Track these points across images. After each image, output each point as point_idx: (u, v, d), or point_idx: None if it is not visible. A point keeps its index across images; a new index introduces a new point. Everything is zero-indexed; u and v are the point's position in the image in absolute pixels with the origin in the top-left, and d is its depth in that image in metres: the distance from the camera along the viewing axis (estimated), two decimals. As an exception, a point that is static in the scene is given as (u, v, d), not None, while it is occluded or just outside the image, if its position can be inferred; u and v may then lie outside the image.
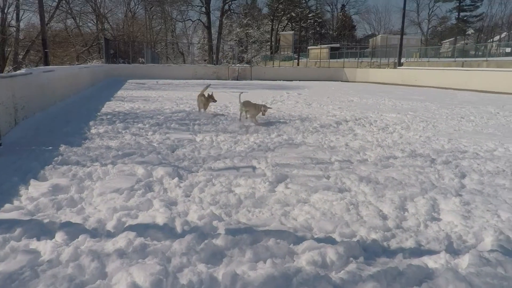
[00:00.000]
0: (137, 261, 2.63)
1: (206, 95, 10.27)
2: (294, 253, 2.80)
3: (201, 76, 31.67)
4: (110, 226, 3.21)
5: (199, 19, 60.65)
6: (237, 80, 31.45)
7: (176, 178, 4.54)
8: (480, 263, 2.66)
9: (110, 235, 3.05)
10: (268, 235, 3.03)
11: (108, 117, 9.30)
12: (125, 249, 2.76)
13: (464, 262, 2.72)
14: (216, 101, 10.46)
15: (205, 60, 60.03)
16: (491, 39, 57.26)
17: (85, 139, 6.71)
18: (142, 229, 3.12)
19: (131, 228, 3.15)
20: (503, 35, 58.54)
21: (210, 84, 11.98)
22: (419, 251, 2.95)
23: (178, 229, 3.19)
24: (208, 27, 56.84)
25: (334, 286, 2.37)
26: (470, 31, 67.83)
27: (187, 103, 12.79)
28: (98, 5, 46.95)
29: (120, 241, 2.86)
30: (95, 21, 47.37)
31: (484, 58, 28.77)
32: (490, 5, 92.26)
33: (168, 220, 3.33)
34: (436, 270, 2.61)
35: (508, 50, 34.90)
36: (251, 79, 32.13)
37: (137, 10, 58.37)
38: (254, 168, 5.18)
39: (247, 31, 69.76)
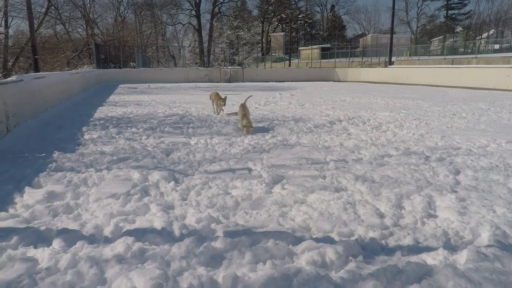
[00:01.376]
0: (136, 266, 2.62)
1: (223, 98, 10.73)
2: (294, 254, 2.80)
3: (193, 79, 31.62)
4: (107, 231, 3.19)
5: (189, 22, 60.65)
6: (229, 82, 31.44)
7: (172, 182, 4.53)
8: (478, 258, 2.68)
9: (108, 240, 3.03)
10: (266, 236, 3.03)
11: (101, 122, 9.25)
12: (123, 254, 2.75)
13: (462, 258, 2.74)
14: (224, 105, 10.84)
15: (196, 63, 59.98)
16: (480, 37, 57.82)
17: (79, 145, 6.66)
18: (140, 234, 3.11)
19: (129, 233, 3.13)
20: (491, 32, 59.20)
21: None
22: (417, 248, 2.97)
23: (176, 232, 3.18)
24: (199, 30, 56.83)
25: (335, 285, 2.37)
26: (459, 28, 68.47)
27: (180, 107, 12.76)
28: (88, 11, 46.82)
29: (119, 246, 2.85)
30: (84, 27, 47.17)
31: (474, 55, 29.08)
32: (477, 2, 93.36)
33: (166, 224, 3.32)
34: (435, 267, 2.63)
35: (496, 47, 35.30)
36: (243, 81, 32.14)
37: (127, 15, 58.27)
38: (250, 169, 5.18)
39: (238, 33, 69.83)
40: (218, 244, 2.89)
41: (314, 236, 3.14)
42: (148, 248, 2.86)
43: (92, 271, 2.52)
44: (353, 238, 3.09)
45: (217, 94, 11.09)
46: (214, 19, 59.70)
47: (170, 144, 6.76)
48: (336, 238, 3.10)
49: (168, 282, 2.42)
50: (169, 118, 9.91)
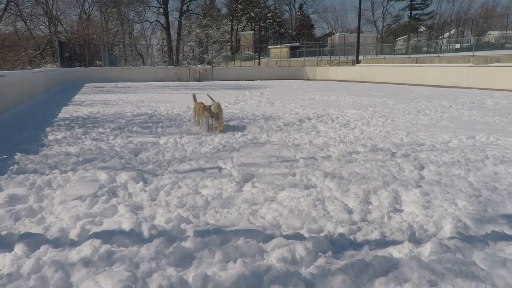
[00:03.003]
0: (104, 268, 2.56)
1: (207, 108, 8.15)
2: (264, 251, 2.81)
3: (162, 78, 31.19)
4: (73, 234, 3.10)
5: (157, 20, 59.67)
6: (199, 81, 31.20)
7: (141, 182, 4.45)
8: (441, 250, 2.78)
9: (74, 244, 2.95)
10: (237, 234, 3.03)
11: (66, 122, 8.97)
12: (90, 258, 2.68)
13: (426, 250, 2.83)
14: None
15: (165, 62, 59.13)
16: (442, 36, 59.83)
17: (42, 146, 6.44)
18: (107, 236, 3.04)
19: (96, 235, 3.06)
20: (452, 32, 61.37)
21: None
22: (384, 242, 3.04)
23: (146, 233, 3.13)
24: (167, 28, 56.06)
25: (304, 281, 2.40)
26: (422, 28, 70.60)
27: (149, 106, 12.57)
28: (50, 7, 45.20)
29: (85, 250, 2.77)
30: (47, 24, 45.54)
31: (436, 54, 30.07)
32: (439, 3, 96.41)
33: (135, 225, 3.26)
34: (401, 260, 2.71)
35: (457, 46, 36.63)
36: (213, 80, 31.97)
37: (92, 12, 56.71)
38: (220, 168, 5.17)
39: (207, 31, 69.32)
40: (188, 244, 2.87)
41: (284, 233, 3.17)
42: (116, 250, 2.80)
43: (57, 276, 2.45)
44: (322, 234, 3.13)
45: (203, 105, 8.25)
46: (183, 17, 59.00)
47: (139, 144, 6.64)
48: (306, 235, 3.14)
49: (137, 284, 2.38)
50: (137, 118, 9.74)
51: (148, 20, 61.46)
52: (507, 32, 35.54)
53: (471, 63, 23.65)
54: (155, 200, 3.97)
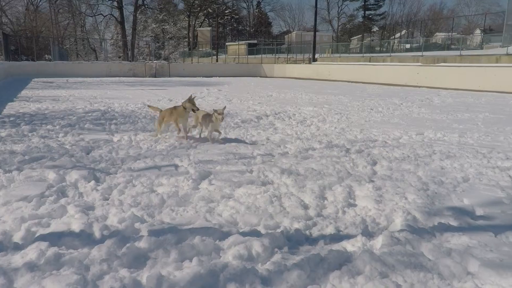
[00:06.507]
0: (51, 272, 2.43)
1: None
2: (220, 249, 2.78)
3: (116, 73, 30.23)
4: (17, 237, 2.92)
5: (111, 14, 57.57)
6: (155, 77, 30.55)
7: (93, 181, 4.28)
8: (391, 242, 2.87)
9: (18, 247, 2.78)
10: (193, 233, 2.97)
11: (11, 119, 8.48)
12: (36, 261, 2.53)
13: (378, 243, 2.92)
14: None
15: (119, 57, 57.30)
16: (393, 36, 62.10)
17: (-16, 144, 6.04)
18: (55, 238, 2.89)
19: (42, 238, 2.90)
20: (403, 33, 63.82)
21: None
22: (338, 237, 3.10)
23: (97, 234, 3.00)
24: (122, 23, 54.24)
25: (260, 278, 2.40)
26: (375, 28, 72.97)
27: (102, 102, 12.14)
28: (-6, -3, 42.59)
29: (30, 253, 2.62)
30: (-10, 14, 42.87)
31: (388, 54, 31.21)
32: (391, 4, 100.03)
33: (85, 226, 3.12)
34: (354, 253, 2.77)
35: (407, 46, 38.16)
36: (169, 76, 31.40)
37: (40, 3, 54.04)
38: (176, 166, 5.07)
39: (163, 27, 67.92)
40: (142, 244, 2.78)
41: (241, 230, 3.15)
42: (64, 253, 2.67)
43: (-1, 282, 2.30)
44: (278, 230, 3.15)
45: (175, 110, 6.64)
46: (138, 12, 57.37)
47: (91, 141, 6.39)
48: (263, 231, 3.14)
49: (87, 287, 2.28)
50: (89, 114, 9.37)
51: (101, 14, 59.14)
52: (453, 34, 37.49)
53: (420, 63, 24.74)
54: (107, 200, 3.83)
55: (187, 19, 67.30)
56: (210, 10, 67.05)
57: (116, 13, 54.88)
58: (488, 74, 19.58)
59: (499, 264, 2.57)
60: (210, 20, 69.75)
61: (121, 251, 2.69)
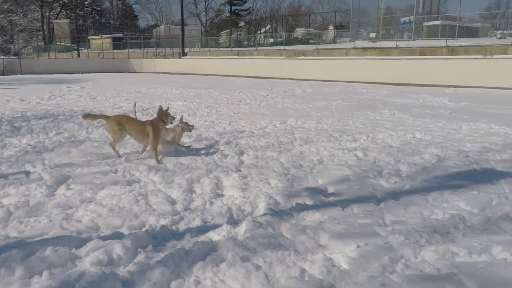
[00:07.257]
0: None
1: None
2: (77, 257, 2.58)
3: (-49, 71, 25.76)
4: None
5: None
6: (3, 75, 26.87)
7: None
8: (254, 227, 3.01)
9: None
10: (45, 244, 2.70)
11: None
12: None
13: (242, 229, 3.04)
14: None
15: (-45, 52, 48.83)
16: (259, 31, 65.06)
17: None
18: None
19: None
20: (267, 28, 67.34)
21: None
22: (205, 228, 3.14)
23: None
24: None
25: (121, 281, 2.29)
26: (242, 23, 75.45)
27: None
28: None
29: None
30: None
31: (255, 48, 32.58)
32: (255, 0, 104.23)
33: None
34: (219, 242, 2.83)
35: (271, 40, 40.40)
36: (21, 73, 27.93)
37: None
38: (28, 173, 4.54)
39: (11, 18, 59.88)
40: (-21, 266, 2.43)
41: (102, 235, 2.97)
42: None
43: None
44: (143, 229, 3.06)
45: (129, 118, 5.55)
46: (-24, -1, 49.60)
47: None
48: (126, 232, 3.01)
49: None
50: None
51: None
52: (310, 29, 40.83)
53: (283, 56, 26.43)
54: None
55: (39, 9, 60.40)
56: (66, 1, 61.32)
57: None
58: (340, 66, 21.89)
59: (344, 234, 2.90)
60: (68, 12, 63.79)
61: (-48, 278, 2.30)
